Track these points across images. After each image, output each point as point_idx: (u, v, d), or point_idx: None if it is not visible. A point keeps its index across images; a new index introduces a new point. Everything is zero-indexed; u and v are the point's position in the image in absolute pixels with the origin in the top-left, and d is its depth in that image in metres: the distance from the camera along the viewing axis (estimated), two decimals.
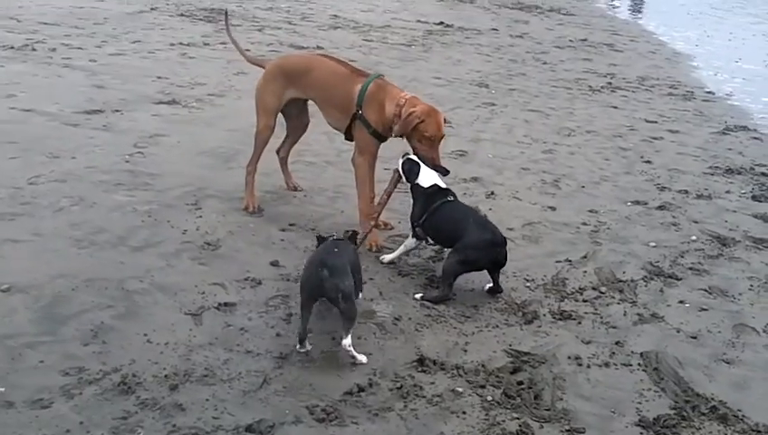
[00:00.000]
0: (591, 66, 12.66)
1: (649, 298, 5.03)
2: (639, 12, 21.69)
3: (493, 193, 6.62)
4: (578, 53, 13.69)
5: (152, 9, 13.44)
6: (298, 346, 4.07)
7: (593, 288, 5.10)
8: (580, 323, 4.66)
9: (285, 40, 12.01)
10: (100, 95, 8.28)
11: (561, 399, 3.92)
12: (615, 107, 10.13)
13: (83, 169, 6.26)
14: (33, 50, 9.85)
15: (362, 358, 4.04)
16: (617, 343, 4.46)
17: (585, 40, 15.02)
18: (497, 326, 4.55)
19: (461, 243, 4.77)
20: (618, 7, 21.76)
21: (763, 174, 7.74)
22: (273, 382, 3.84)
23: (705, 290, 5.20)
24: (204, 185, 6.15)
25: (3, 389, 3.60)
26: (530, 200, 6.58)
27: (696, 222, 6.37)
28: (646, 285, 5.20)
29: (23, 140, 6.75)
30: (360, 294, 4.44)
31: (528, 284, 5.09)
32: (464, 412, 3.75)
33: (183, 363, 3.92)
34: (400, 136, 5.21)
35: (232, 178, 6.21)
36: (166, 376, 3.80)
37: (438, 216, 4.95)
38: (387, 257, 5.19)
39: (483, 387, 3.94)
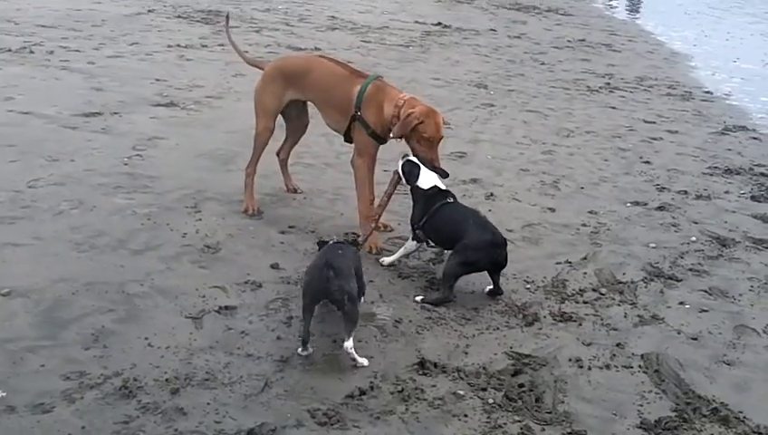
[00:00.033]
0: (590, 66, 12.67)
1: (650, 299, 5.03)
2: (637, 12, 21.71)
3: (492, 194, 6.62)
4: (576, 54, 13.69)
5: (149, 11, 13.42)
6: (300, 349, 4.07)
7: (593, 290, 5.10)
8: (580, 324, 4.66)
9: (283, 41, 12.01)
10: (98, 98, 8.27)
11: (563, 401, 3.92)
12: (614, 107, 10.14)
13: (82, 171, 6.25)
14: (31, 52, 9.84)
15: (363, 361, 4.04)
16: (617, 344, 4.46)
17: (583, 40, 15.03)
18: (498, 328, 4.55)
19: (461, 244, 4.77)
20: (615, 7, 21.78)
21: (762, 174, 7.75)
22: (274, 386, 3.83)
23: (706, 291, 5.20)
24: (203, 188, 6.15)
25: (4, 393, 3.60)
26: (529, 202, 6.58)
27: (695, 223, 6.38)
28: (646, 287, 5.20)
29: (21, 143, 6.74)
30: (363, 298, 4.44)
31: (528, 285, 5.09)
32: (465, 415, 3.75)
33: (184, 367, 3.91)
34: (399, 137, 5.21)
35: (231, 181, 6.20)
36: (167, 380, 3.80)
37: (438, 217, 4.95)
38: (386, 260, 5.19)
39: (484, 390, 3.94)
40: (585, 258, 5.55)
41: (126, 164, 6.52)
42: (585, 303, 4.93)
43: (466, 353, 4.26)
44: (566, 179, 7.19)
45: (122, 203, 5.75)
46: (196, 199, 5.93)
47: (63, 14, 12.49)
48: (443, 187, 5.07)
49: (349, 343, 3.98)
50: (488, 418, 3.74)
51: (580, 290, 5.08)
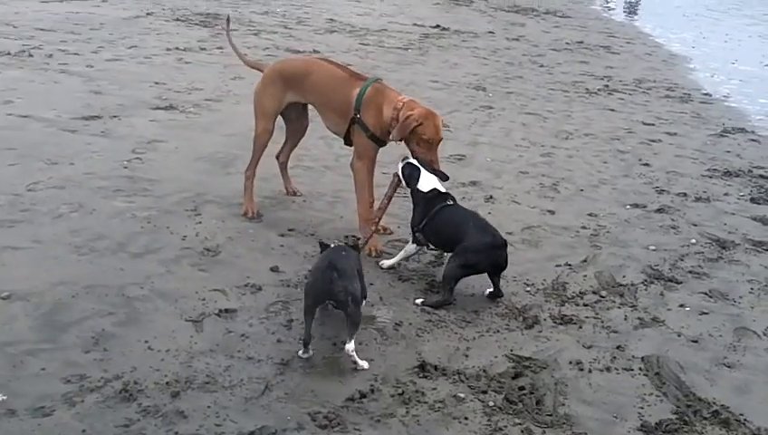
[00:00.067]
0: (588, 69, 12.68)
1: (650, 302, 5.03)
2: (635, 14, 21.75)
3: (491, 197, 6.62)
4: (574, 56, 13.71)
5: (148, 14, 13.44)
6: (301, 351, 4.07)
7: (594, 292, 5.10)
8: (580, 327, 4.66)
9: (281, 44, 12.02)
10: (97, 101, 8.26)
11: (563, 404, 3.91)
12: (612, 110, 10.15)
13: (82, 175, 6.25)
14: (30, 56, 9.84)
15: (364, 364, 4.03)
16: (618, 347, 4.46)
17: (581, 42, 15.06)
18: (498, 331, 4.55)
19: (461, 246, 4.77)
20: (613, 9, 21.81)
21: (762, 176, 7.76)
22: (274, 389, 3.83)
23: (706, 293, 5.21)
24: (203, 190, 6.14)
25: (5, 397, 3.59)
26: (529, 204, 6.58)
27: (695, 225, 6.38)
28: (646, 289, 5.20)
29: (21, 146, 6.73)
30: (365, 301, 4.43)
31: (528, 288, 5.09)
32: (466, 418, 3.75)
33: (184, 370, 3.91)
34: (399, 140, 5.21)
35: (230, 184, 6.20)
36: (167, 383, 3.79)
37: (438, 220, 4.95)
38: (386, 263, 5.19)
39: (484, 392, 3.94)
40: (585, 261, 5.55)
41: (125, 167, 6.52)
42: (585, 305, 4.93)
43: (467, 356, 4.26)
44: (565, 182, 7.20)
45: (122, 206, 5.75)
46: (196, 202, 5.92)
47: (62, 17, 12.50)
48: (443, 189, 5.07)
49: (350, 346, 3.97)
50: (489, 421, 3.74)
51: (580, 293, 5.08)
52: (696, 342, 4.60)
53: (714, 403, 3.99)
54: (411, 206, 5.16)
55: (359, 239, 5.32)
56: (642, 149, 8.48)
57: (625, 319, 4.79)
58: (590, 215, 6.43)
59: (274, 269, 5.03)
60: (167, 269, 4.91)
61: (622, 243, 5.91)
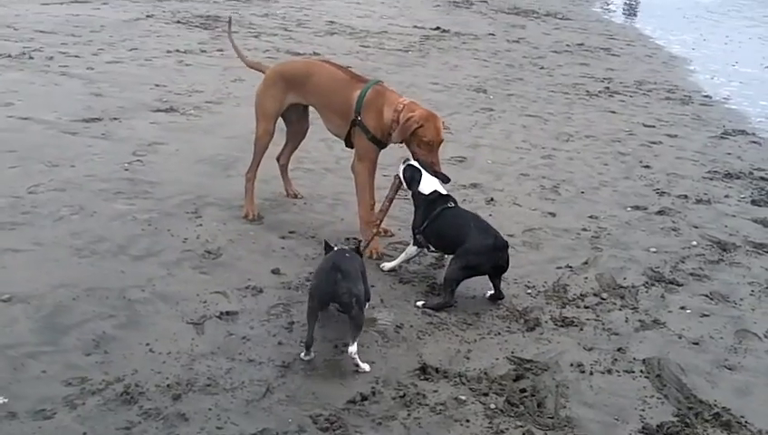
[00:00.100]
0: (589, 71, 12.69)
1: (651, 304, 5.03)
2: (634, 15, 21.76)
3: (492, 199, 6.62)
4: (575, 58, 13.72)
5: (148, 16, 13.46)
6: (303, 354, 4.06)
7: (594, 294, 5.10)
8: (581, 329, 4.66)
9: (282, 46, 12.03)
10: (97, 103, 8.27)
11: (564, 406, 3.91)
12: (613, 111, 10.15)
13: (83, 177, 6.25)
14: (31, 58, 9.86)
15: (365, 366, 4.03)
16: (619, 349, 4.45)
17: (582, 44, 15.06)
18: (499, 333, 4.55)
19: (463, 248, 4.76)
20: (613, 11, 21.82)
21: (762, 178, 7.75)
22: (276, 391, 3.83)
23: (707, 296, 5.20)
24: (203, 193, 6.15)
25: (5, 399, 3.59)
26: (530, 206, 6.58)
27: (695, 227, 6.37)
28: (647, 291, 5.20)
29: (21, 148, 6.74)
30: (368, 304, 4.43)
31: (529, 290, 5.09)
32: (467, 420, 3.75)
33: (185, 373, 3.91)
34: (400, 142, 5.21)
35: (231, 186, 6.21)
36: (168, 386, 3.79)
37: (440, 222, 4.94)
38: (387, 265, 5.18)
39: (486, 395, 3.94)
40: (586, 263, 5.55)
41: (126, 169, 6.52)
42: (586, 307, 4.93)
43: (468, 358, 4.26)
44: (566, 184, 7.20)
45: (123, 208, 5.75)
46: (197, 205, 5.92)
47: (62, 19, 12.52)
48: (444, 191, 5.07)
49: (353, 349, 3.97)
50: (490, 423, 3.73)
51: (581, 295, 5.08)
52: (697, 344, 4.59)
53: (715, 405, 3.98)
54: (412, 208, 5.16)
55: (360, 242, 5.32)
56: (643, 151, 8.48)
57: (626, 321, 4.79)
58: (590, 217, 6.43)
59: (275, 271, 5.03)
60: (167, 272, 4.91)
61: (623, 245, 5.91)
